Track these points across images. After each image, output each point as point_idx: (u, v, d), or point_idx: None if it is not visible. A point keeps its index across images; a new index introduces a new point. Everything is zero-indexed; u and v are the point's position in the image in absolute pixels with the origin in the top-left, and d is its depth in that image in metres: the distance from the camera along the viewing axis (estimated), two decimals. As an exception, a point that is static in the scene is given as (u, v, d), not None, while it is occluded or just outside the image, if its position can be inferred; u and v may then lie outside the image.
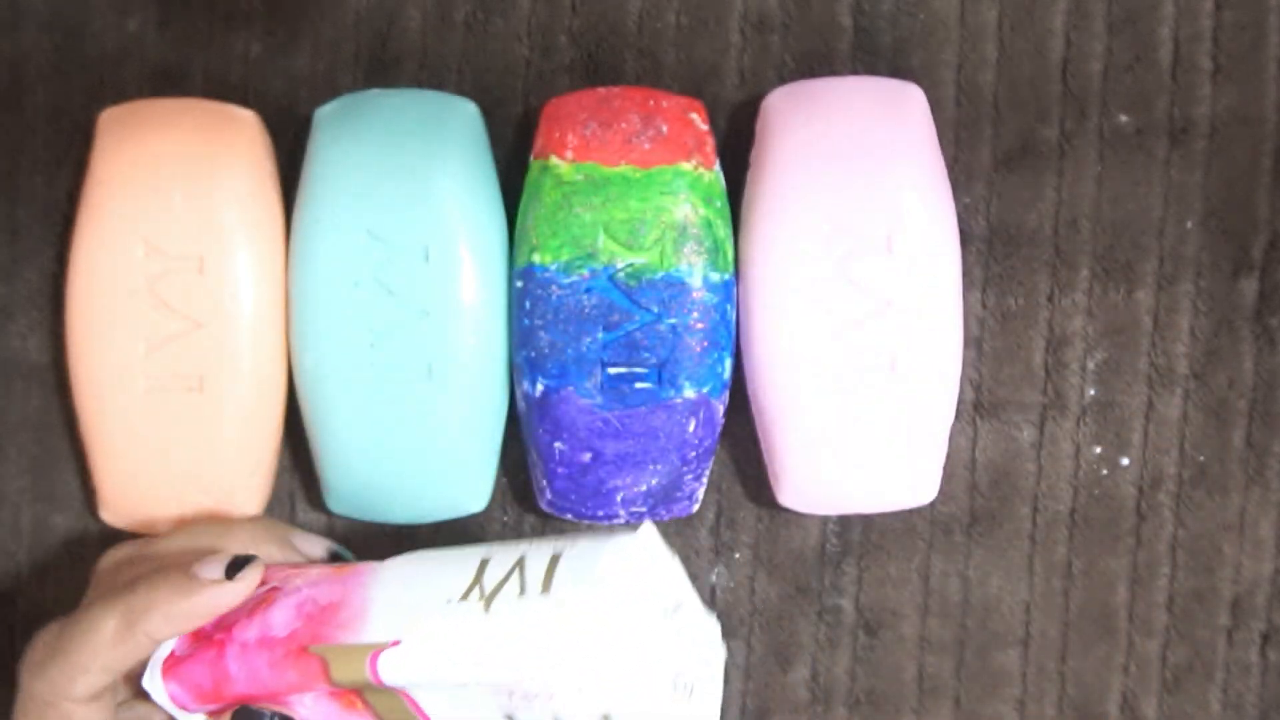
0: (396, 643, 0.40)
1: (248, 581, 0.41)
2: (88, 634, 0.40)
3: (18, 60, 0.50)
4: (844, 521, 0.50)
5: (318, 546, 0.45)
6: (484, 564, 0.40)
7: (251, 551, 0.42)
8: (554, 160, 0.46)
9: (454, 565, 0.41)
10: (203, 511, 0.47)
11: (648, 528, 0.40)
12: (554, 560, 0.39)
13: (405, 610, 0.40)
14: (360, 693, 0.41)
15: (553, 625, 0.38)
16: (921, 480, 0.47)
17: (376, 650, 0.40)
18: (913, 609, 0.50)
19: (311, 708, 0.42)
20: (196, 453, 0.46)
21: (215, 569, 0.41)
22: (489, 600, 0.39)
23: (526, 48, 0.50)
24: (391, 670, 0.40)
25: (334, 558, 0.45)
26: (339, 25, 0.50)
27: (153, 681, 0.42)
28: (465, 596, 0.39)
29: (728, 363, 0.46)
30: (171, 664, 0.42)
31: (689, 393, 0.45)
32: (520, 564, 0.40)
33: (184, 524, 0.46)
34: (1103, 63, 0.49)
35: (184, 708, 0.42)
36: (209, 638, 0.42)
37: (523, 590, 0.39)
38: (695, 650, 0.40)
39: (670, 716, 0.40)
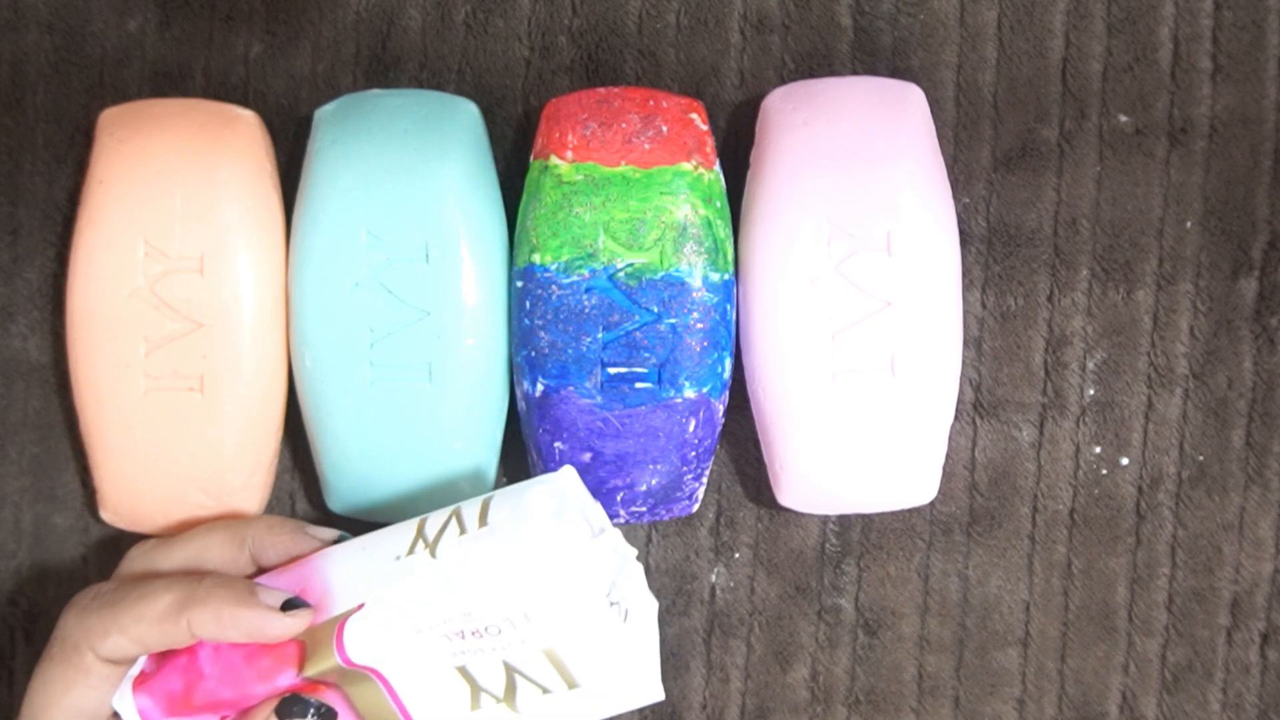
0: (360, 606, 0.41)
1: (297, 622, 0.42)
2: (140, 600, 0.41)
3: (18, 60, 0.50)
4: (844, 521, 0.50)
5: (328, 534, 0.45)
6: (422, 522, 0.42)
7: (267, 536, 0.44)
8: (554, 160, 0.46)
9: (396, 531, 0.43)
10: (203, 511, 0.47)
11: (568, 470, 0.43)
12: (486, 502, 0.42)
13: (361, 577, 0.42)
14: (339, 687, 0.42)
15: (495, 554, 0.40)
16: (921, 480, 0.47)
17: (342, 620, 0.41)
18: (912, 609, 0.51)
19: None
20: (196, 453, 0.46)
21: (275, 598, 0.42)
22: (433, 547, 0.41)
23: (526, 48, 0.50)
24: (356, 638, 0.41)
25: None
26: (339, 25, 0.50)
27: (122, 699, 0.42)
28: (411, 551, 0.42)
29: (728, 363, 0.46)
30: (141, 680, 0.42)
31: (689, 393, 0.46)
32: (455, 513, 0.42)
33: (208, 523, 0.46)
34: (1102, 63, 0.49)
35: None
36: (179, 652, 0.43)
37: (463, 530, 0.41)
38: (626, 571, 0.41)
39: (610, 641, 0.41)
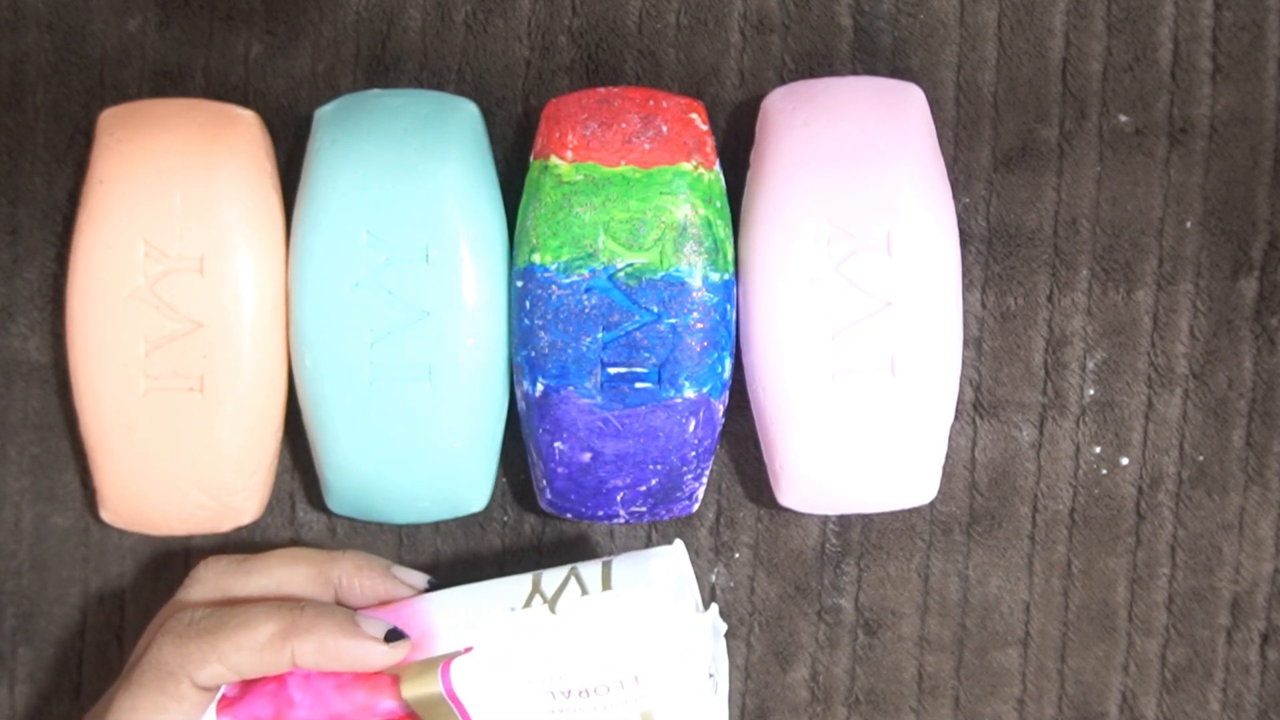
0: (468, 649, 0.42)
1: (398, 653, 0.42)
2: (242, 628, 0.41)
3: (18, 60, 0.50)
4: (844, 521, 0.50)
5: (417, 579, 0.45)
6: (538, 577, 0.43)
7: (355, 577, 0.44)
8: (554, 160, 0.46)
9: (508, 583, 0.44)
10: (203, 511, 0.47)
11: (679, 544, 0.44)
12: (607, 565, 0.43)
13: (471, 622, 0.43)
14: (418, 718, 0.42)
15: (619, 617, 0.42)
16: (921, 480, 0.47)
17: (448, 659, 0.42)
18: (912, 609, 0.51)
19: None
20: (196, 453, 0.46)
21: (377, 628, 0.42)
22: (552, 603, 0.42)
23: (526, 48, 0.50)
24: (464, 676, 0.42)
25: (432, 587, 0.45)
26: (339, 25, 0.50)
27: None
28: (528, 604, 0.43)
29: (728, 363, 0.46)
30: (226, 704, 0.42)
31: (689, 393, 0.46)
32: (574, 572, 0.43)
33: (286, 548, 0.46)
34: (1102, 63, 0.49)
35: None
36: (267, 678, 0.43)
37: (584, 591, 0.43)
38: (719, 646, 0.44)
39: (702, 709, 0.42)
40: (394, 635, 0.42)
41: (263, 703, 0.42)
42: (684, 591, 0.43)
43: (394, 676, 0.42)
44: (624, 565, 0.43)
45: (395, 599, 0.44)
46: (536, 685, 0.42)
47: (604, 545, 0.51)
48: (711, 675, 0.43)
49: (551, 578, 0.43)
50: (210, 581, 0.44)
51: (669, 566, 0.43)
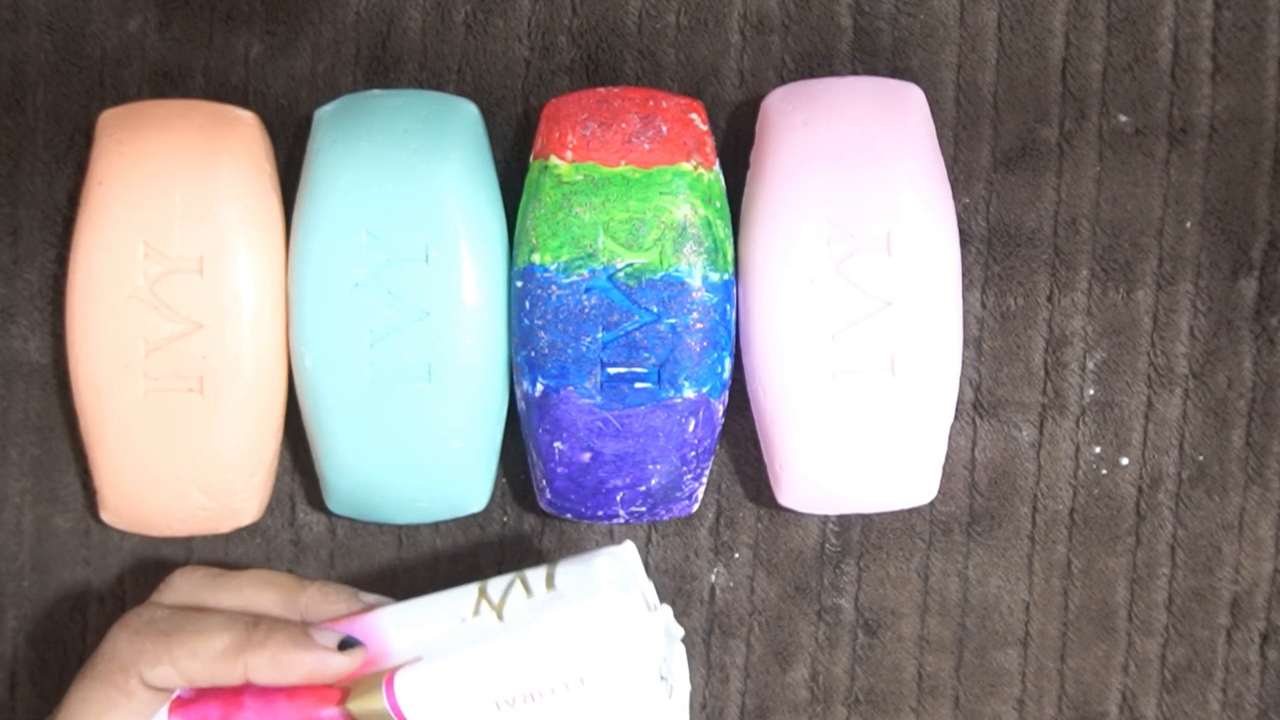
0: (417, 659, 0.41)
1: (354, 660, 0.42)
2: (197, 636, 0.41)
3: (18, 60, 0.50)
4: (843, 521, 0.50)
5: (383, 602, 0.45)
6: (483, 587, 0.43)
7: (321, 605, 0.44)
8: (554, 160, 0.46)
9: (456, 594, 0.43)
10: (203, 512, 0.47)
11: (628, 545, 0.43)
12: (551, 569, 0.43)
13: (421, 633, 0.42)
14: None
15: (562, 619, 0.41)
16: (921, 480, 0.47)
17: (393, 671, 0.41)
18: (912, 608, 0.51)
19: None
20: (196, 453, 0.46)
21: (330, 638, 0.42)
22: (499, 610, 0.42)
23: (526, 48, 0.50)
24: (407, 689, 0.41)
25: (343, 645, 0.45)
26: (339, 25, 0.50)
27: None
28: (476, 612, 0.42)
29: (727, 363, 0.46)
30: (179, 705, 0.42)
31: (689, 393, 0.46)
32: (520, 577, 0.43)
33: (260, 570, 0.46)
34: (1102, 63, 0.49)
35: None
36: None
37: (529, 594, 0.42)
38: (674, 649, 0.43)
39: (654, 714, 0.42)
40: (348, 644, 0.42)
41: (213, 707, 0.42)
42: (631, 591, 0.42)
43: (344, 690, 0.42)
44: (569, 566, 0.43)
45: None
46: (482, 695, 0.41)
47: (603, 545, 0.51)
48: (664, 679, 0.42)
49: (498, 584, 0.43)
50: (184, 590, 0.44)
51: (616, 565, 0.42)
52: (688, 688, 0.43)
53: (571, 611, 0.41)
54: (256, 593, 0.44)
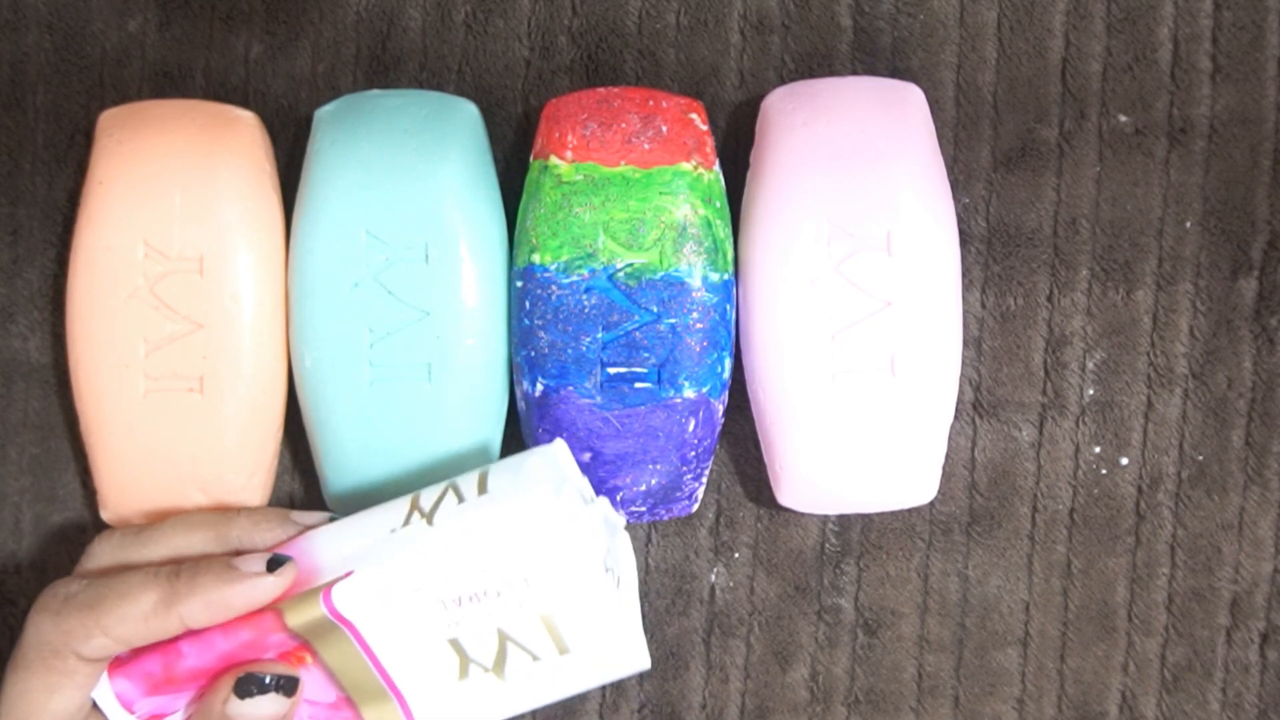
0: (349, 574, 0.41)
1: (286, 578, 0.41)
2: (123, 600, 0.40)
3: (18, 60, 0.50)
4: (843, 521, 0.50)
5: (318, 519, 0.44)
6: (416, 496, 0.43)
7: (253, 534, 0.43)
8: (554, 160, 0.46)
9: (388, 507, 0.43)
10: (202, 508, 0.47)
11: (559, 442, 0.43)
12: (483, 474, 0.43)
13: (352, 548, 0.42)
14: (311, 646, 0.42)
15: (498, 520, 0.41)
16: (921, 480, 0.47)
17: (329, 585, 0.41)
18: (912, 608, 0.51)
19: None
20: (196, 453, 0.46)
21: (257, 563, 0.41)
22: (430, 516, 0.42)
23: (526, 48, 0.50)
24: (346, 597, 0.41)
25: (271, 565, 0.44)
26: (339, 25, 0.50)
27: (100, 688, 0.42)
28: (407, 522, 0.42)
29: (727, 363, 0.46)
30: (117, 664, 0.42)
31: (689, 392, 0.46)
32: (451, 485, 0.43)
33: (180, 514, 0.45)
34: (1102, 63, 0.49)
35: (128, 708, 0.42)
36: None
37: (461, 499, 0.42)
38: (617, 539, 0.42)
39: (604, 606, 0.42)
40: (276, 562, 0.41)
41: (152, 659, 0.42)
42: (564, 488, 0.42)
43: (277, 611, 0.41)
44: (500, 470, 0.42)
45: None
46: (425, 596, 0.41)
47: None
48: (609, 569, 0.42)
49: (430, 493, 0.43)
50: (107, 554, 0.43)
51: (547, 464, 0.42)
52: (635, 575, 0.42)
53: (502, 510, 0.41)
54: (184, 538, 0.43)
